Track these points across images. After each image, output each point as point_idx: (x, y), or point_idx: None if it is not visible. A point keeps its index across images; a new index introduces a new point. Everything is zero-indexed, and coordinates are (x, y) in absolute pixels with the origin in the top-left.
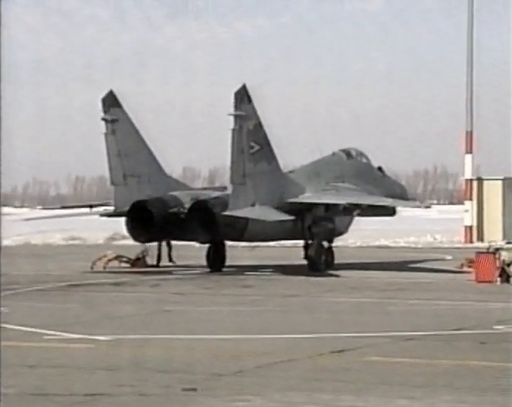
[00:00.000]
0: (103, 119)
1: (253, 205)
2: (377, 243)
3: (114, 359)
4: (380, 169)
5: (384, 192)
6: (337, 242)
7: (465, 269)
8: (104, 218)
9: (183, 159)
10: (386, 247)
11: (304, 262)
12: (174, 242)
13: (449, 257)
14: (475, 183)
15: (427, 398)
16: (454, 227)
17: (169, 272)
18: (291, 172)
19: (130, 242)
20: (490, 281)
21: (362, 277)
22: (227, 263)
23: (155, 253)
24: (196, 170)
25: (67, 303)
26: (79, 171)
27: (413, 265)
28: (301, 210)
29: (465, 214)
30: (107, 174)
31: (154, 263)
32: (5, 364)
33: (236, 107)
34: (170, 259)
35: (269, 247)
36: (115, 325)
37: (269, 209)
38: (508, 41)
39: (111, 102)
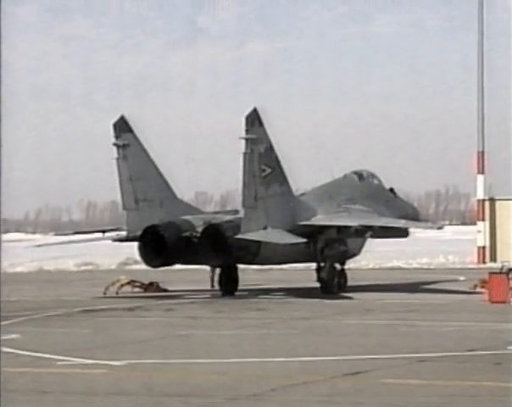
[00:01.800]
0: (115, 144)
1: (265, 228)
2: (390, 265)
3: (128, 384)
4: (391, 190)
5: (396, 214)
6: (350, 264)
7: (479, 290)
8: (117, 243)
9: (195, 183)
10: (399, 268)
11: (317, 285)
12: (186, 267)
13: (462, 278)
14: (487, 203)
15: None
16: (467, 248)
17: (182, 296)
18: (302, 195)
19: (143, 266)
20: (503, 302)
21: (375, 299)
22: (240, 286)
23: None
24: (208, 193)
25: (80, 328)
26: (91, 197)
27: (426, 287)
28: (313, 233)
29: (478, 234)
30: (119, 199)
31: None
32: (18, 390)
33: (248, 130)
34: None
35: (281, 270)
36: (129, 350)
37: (282, 232)
38: None
39: (122, 127)
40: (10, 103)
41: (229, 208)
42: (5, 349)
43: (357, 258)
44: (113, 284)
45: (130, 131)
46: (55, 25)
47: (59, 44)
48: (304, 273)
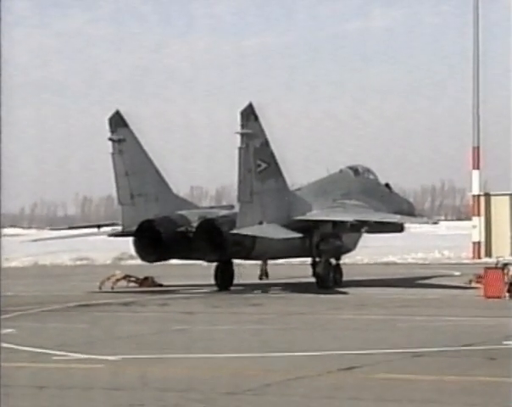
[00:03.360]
0: (110, 139)
1: (260, 223)
2: (385, 260)
3: (123, 378)
4: (387, 185)
5: (391, 209)
6: (345, 259)
7: (474, 285)
8: (112, 238)
9: (190, 178)
10: (394, 263)
11: (313, 280)
12: (181, 262)
13: (457, 273)
14: (482, 199)
15: None
16: (462, 243)
17: (178, 291)
18: (298, 190)
19: (138, 261)
20: (498, 297)
21: (370, 294)
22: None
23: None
24: (203, 188)
25: (75, 323)
26: (86, 191)
27: (421, 282)
28: (308, 228)
29: (473, 229)
30: (114, 194)
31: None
32: (14, 385)
33: (243, 125)
34: (265, 275)
35: (276, 265)
36: (124, 344)
37: (277, 227)
38: None
39: (118, 122)
40: (6, 99)
41: (224, 203)
42: (1, 344)
43: (352, 253)
44: (108, 279)
45: (126, 125)
46: (51, 20)
47: (55, 39)
48: (300, 268)
